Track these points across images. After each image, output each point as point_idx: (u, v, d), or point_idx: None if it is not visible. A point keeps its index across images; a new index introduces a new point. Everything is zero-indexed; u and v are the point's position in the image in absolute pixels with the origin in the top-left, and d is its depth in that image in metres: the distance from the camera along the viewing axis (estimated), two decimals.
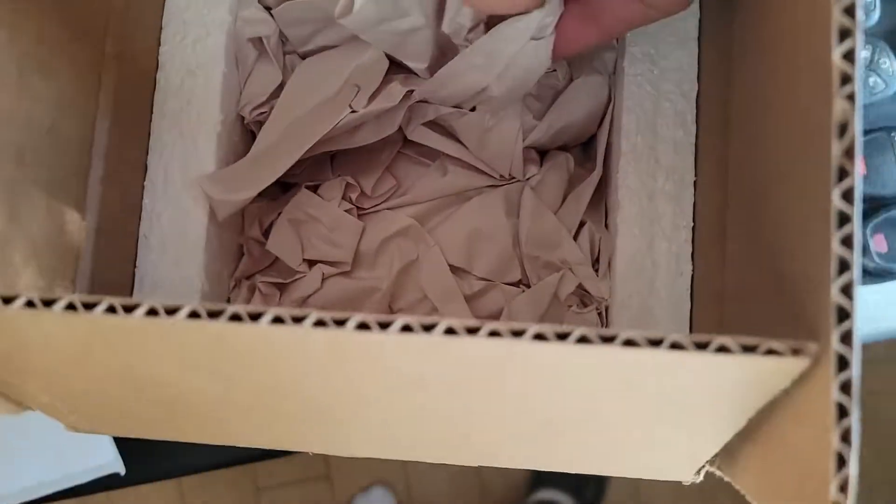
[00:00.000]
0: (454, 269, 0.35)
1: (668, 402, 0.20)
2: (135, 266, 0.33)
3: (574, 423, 0.22)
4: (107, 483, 0.33)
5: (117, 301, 0.17)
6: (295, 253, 0.35)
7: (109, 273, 0.31)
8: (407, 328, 0.17)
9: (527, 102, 0.35)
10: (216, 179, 0.33)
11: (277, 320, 0.17)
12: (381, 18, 0.29)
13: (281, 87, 0.36)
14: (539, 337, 0.17)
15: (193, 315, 0.17)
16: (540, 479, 1.11)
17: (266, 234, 0.36)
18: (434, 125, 0.36)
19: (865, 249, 0.37)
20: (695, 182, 0.32)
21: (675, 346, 0.17)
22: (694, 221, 0.32)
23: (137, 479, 0.35)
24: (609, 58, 0.35)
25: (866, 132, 0.38)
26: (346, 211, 0.36)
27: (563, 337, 0.17)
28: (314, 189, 0.37)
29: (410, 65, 0.33)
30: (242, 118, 0.36)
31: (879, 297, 0.41)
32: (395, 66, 0.34)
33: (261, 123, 0.36)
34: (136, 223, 0.33)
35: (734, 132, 0.28)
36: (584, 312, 0.33)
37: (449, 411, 0.22)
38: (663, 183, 0.32)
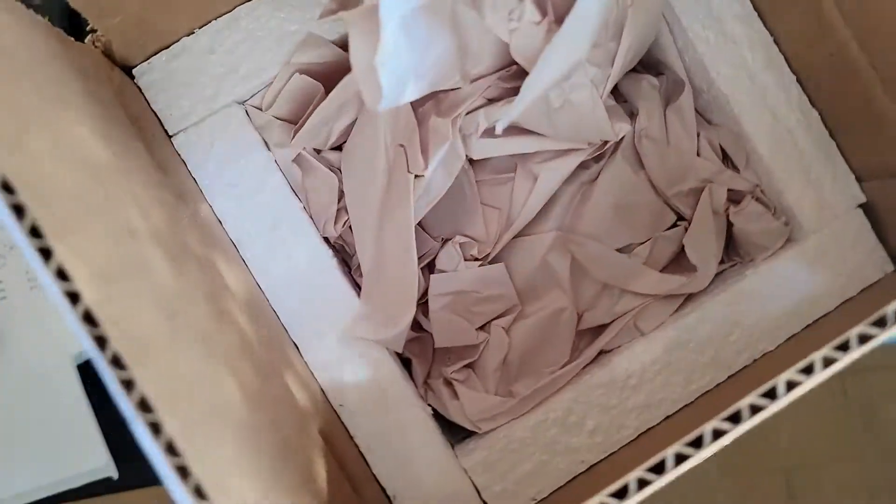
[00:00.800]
0: (619, 251, 0.34)
1: None
2: (356, 445, 0.30)
3: None
4: (100, 487, 0.33)
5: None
6: (467, 332, 0.33)
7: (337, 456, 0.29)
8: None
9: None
10: (366, 321, 0.31)
11: None
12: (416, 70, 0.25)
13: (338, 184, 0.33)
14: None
15: None
16: None
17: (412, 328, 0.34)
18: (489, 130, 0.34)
19: None
20: (774, 41, 0.32)
21: None
22: (794, 73, 0.32)
23: (131, 484, 0.35)
24: None
25: None
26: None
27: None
28: (431, 267, 0.34)
29: (444, 87, 0.31)
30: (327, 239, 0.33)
31: None
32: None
33: (342, 236, 0.33)
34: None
35: None
36: (743, 209, 0.33)
37: None
38: (752, 57, 0.32)
